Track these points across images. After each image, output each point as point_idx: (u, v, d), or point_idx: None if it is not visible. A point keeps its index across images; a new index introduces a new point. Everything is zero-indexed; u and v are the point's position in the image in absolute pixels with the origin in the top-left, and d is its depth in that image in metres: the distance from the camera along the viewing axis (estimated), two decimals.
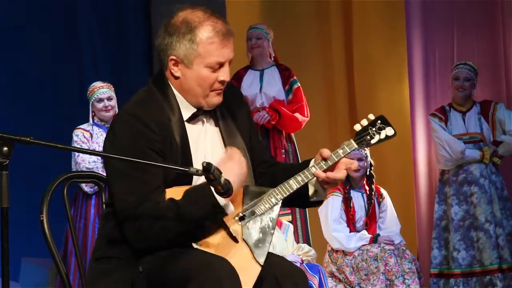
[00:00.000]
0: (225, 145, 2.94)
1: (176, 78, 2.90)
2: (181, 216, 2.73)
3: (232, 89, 3.07)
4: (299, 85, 6.92)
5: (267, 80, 6.93)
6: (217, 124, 2.97)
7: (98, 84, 6.53)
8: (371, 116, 3.04)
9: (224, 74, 2.87)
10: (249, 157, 2.98)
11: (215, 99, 2.90)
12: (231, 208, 2.77)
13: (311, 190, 2.99)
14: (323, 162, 2.92)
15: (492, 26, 7.46)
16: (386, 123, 3.04)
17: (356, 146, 2.98)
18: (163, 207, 2.77)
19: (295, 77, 6.94)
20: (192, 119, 2.92)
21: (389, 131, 3.04)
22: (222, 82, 2.88)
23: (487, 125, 6.90)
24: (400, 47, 7.86)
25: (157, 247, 2.79)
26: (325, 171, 2.91)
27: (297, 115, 6.82)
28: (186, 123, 2.91)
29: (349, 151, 2.95)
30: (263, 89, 6.90)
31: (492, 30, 7.46)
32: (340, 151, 2.94)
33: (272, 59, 6.99)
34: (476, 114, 6.92)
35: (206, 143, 2.93)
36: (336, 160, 2.93)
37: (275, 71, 6.97)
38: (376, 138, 3.02)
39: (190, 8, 2.89)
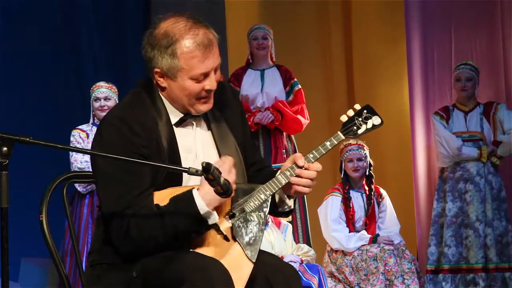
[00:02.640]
0: (218, 148, 2.93)
1: (163, 89, 2.89)
2: (167, 225, 2.73)
3: (223, 87, 3.04)
4: (300, 87, 6.93)
5: (269, 80, 6.93)
6: (209, 127, 2.96)
7: (99, 83, 6.55)
8: (357, 106, 3.02)
9: (210, 83, 2.85)
10: (242, 157, 2.97)
11: (202, 107, 2.89)
12: (214, 219, 2.77)
13: (277, 199, 2.96)
14: (311, 155, 2.91)
15: (491, 26, 7.47)
16: (372, 112, 3.01)
17: (343, 137, 2.97)
18: (150, 212, 2.75)
19: (296, 79, 6.94)
20: (181, 123, 2.91)
21: (375, 120, 3.01)
22: (208, 91, 2.86)
23: (488, 125, 6.92)
24: (400, 47, 7.87)
25: (144, 251, 2.77)
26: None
27: (299, 117, 6.82)
28: (174, 127, 2.89)
29: (336, 143, 2.94)
30: (265, 88, 6.90)
31: (491, 30, 7.47)
32: (328, 143, 2.93)
33: (271, 59, 7.00)
34: (478, 114, 6.95)
35: (196, 147, 2.91)
36: (324, 152, 2.92)
37: (276, 71, 6.97)
38: (363, 128, 3.00)
39: (173, 18, 2.85)
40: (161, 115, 2.87)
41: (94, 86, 6.54)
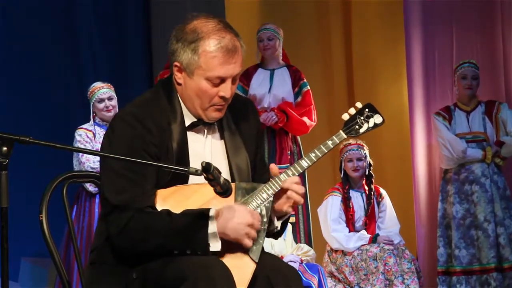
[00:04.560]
0: (229, 158, 2.92)
1: (179, 84, 2.88)
2: (169, 235, 2.73)
3: (247, 103, 3.05)
4: (309, 88, 6.92)
5: (277, 80, 6.91)
6: (222, 137, 2.94)
7: (98, 84, 6.53)
8: (359, 105, 3.01)
9: (225, 91, 2.83)
10: (250, 173, 2.95)
11: (214, 114, 2.87)
12: (216, 247, 2.75)
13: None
14: (313, 154, 2.91)
15: (491, 25, 7.47)
16: (374, 110, 3.01)
17: (345, 136, 2.96)
18: (154, 214, 2.75)
19: (305, 80, 6.93)
20: (192, 127, 2.90)
21: (377, 118, 3.01)
22: (222, 97, 2.84)
23: (491, 125, 6.91)
24: (399, 47, 7.87)
25: (139, 249, 2.76)
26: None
27: (305, 119, 6.81)
28: (187, 131, 2.88)
29: (338, 142, 2.94)
30: (273, 89, 6.89)
31: (491, 29, 7.46)
32: (330, 142, 2.93)
33: (286, 59, 7.00)
34: (480, 114, 6.93)
35: (205, 153, 2.90)
36: (326, 151, 2.92)
37: (286, 72, 6.96)
38: (365, 126, 3.00)
39: (205, 17, 2.87)
40: (175, 115, 2.86)
41: (93, 88, 6.50)
